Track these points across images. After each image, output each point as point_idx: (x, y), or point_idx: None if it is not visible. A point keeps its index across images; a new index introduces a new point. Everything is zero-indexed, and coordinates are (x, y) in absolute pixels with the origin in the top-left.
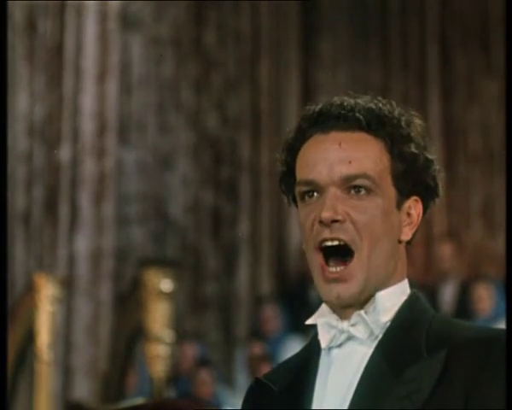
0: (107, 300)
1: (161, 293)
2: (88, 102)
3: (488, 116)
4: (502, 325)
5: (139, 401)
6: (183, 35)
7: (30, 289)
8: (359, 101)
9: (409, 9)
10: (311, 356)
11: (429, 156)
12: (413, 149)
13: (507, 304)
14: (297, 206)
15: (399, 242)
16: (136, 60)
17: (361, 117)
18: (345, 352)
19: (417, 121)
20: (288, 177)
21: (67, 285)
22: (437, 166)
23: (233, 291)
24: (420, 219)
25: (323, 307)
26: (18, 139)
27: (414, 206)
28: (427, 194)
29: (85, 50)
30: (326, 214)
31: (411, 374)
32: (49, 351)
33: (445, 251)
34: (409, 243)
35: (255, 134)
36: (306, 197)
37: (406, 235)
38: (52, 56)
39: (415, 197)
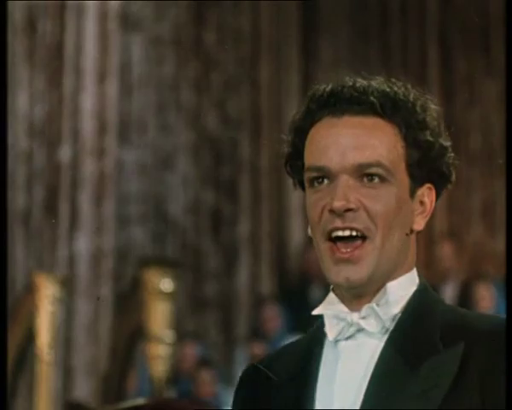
0: (107, 300)
1: (161, 293)
2: (88, 102)
3: (488, 116)
4: None
5: (139, 401)
6: (183, 35)
7: (30, 289)
8: (373, 83)
9: (409, 10)
10: (313, 347)
11: (444, 143)
12: (428, 136)
13: (507, 304)
14: (303, 189)
15: (411, 231)
16: (136, 60)
17: (375, 101)
18: (354, 345)
19: (433, 106)
20: (294, 159)
21: (67, 285)
22: (451, 153)
23: (233, 291)
24: (433, 207)
25: (331, 296)
26: (18, 139)
27: (427, 194)
28: (440, 181)
29: (85, 50)
30: (338, 204)
31: (428, 369)
32: (49, 351)
33: (446, 251)
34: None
35: (255, 134)
36: (316, 183)
37: (419, 225)
38: (52, 56)
39: (428, 185)
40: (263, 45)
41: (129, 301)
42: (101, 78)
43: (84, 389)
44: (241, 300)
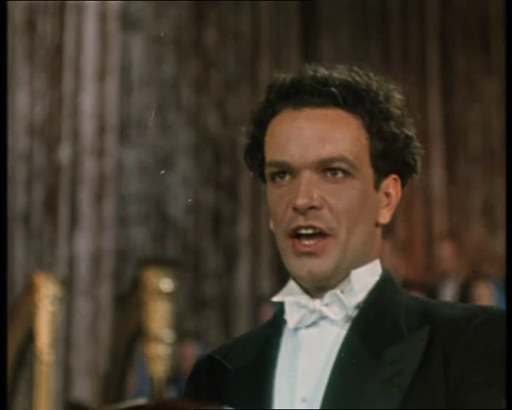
0: (107, 300)
1: (161, 293)
2: (88, 101)
3: (488, 116)
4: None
5: (139, 401)
6: (184, 35)
7: (30, 289)
8: (334, 73)
9: (409, 9)
10: (271, 335)
11: (409, 133)
12: (392, 126)
13: (507, 304)
14: (264, 181)
15: (376, 224)
16: (136, 60)
17: (336, 92)
18: (315, 333)
19: (396, 95)
20: (254, 151)
21: (67, 285)
22: (416, 143)
23: (233, 291)
24: (398, 197)
25: (292, 284)
26: (18, 139)
27: (393, 185)
28: (406, 172)
29: (85, 50)
30: (301, 202)
31: (393, 355)
32: (49, 351)
33: (446, 251)
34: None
35: None
36: (277, 178)
37: (384, 218)
38: (52, 56)
39: (393, 176)
40: (263, 45)
41: (129, 301)
42: (101, 77)
43: (83, 389)
44: (241, 300)
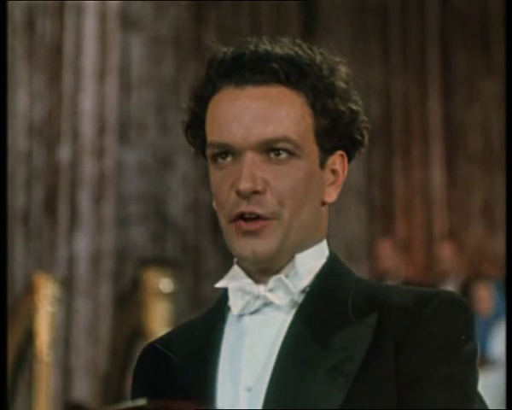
0: (107, 300)
1: (161, 293)
2: (88, 101)
3: (488, 116)
4: (502, 326)
5: (139, 401)
6: (183, 35)
7: (29, 290)
8: (276, 48)
9: (409, 9)
10: (215, 322)
11: (355, 108)
12: (337, 102)
13: (507, 304)
14: (205, 158)
15: (322, 204)
16: (136, 60)
17: (279, 68)
18: (260, 319)
19: (341, 68)
20: (195, 128)
21: (67, 285)
22: (363, 117)
23: None
24: (345, 175)
25: (236, 268)
26: (17, 139)
27: (339, 162)
28: (352, 147)
29: (85, 50)
30: (244, 186)
31: (339, 342)
32: (48, 351)
33: (446, 251)
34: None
35: None
36: (219, 159)
37: (330, 196)
38: (52, 56)
39: (340, 152)
40: None
41: (129, 301)
42: (101, 77)
43: (83, 390)
44: None
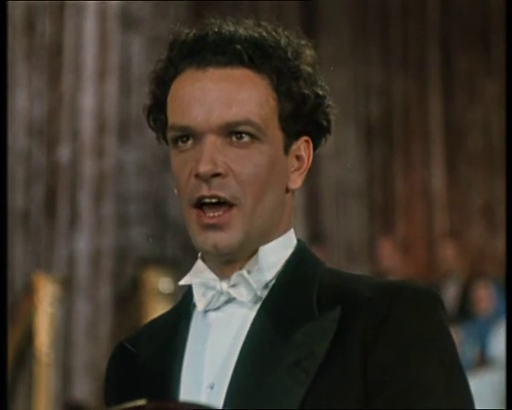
0: (107, 300)
1: (161, 293)
2: (87, 101)
3: (489, 116)
4: (502, 325)
5: (139, 401)
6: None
7: (29, 290)
8: (239, 29)
9: (409, 10)
10: (181, 319)
11: (320, 92)
12: (302, 86)
13: (507, 304)
14: (167, 143)
15: (287, 190)
16: (136, 60)
17: (242, 50)
18: (224, 316)
19: (307, 51)
20: (156, 112)
21: (67, 285)
22: (329, 102)
23: None
24: (310, 161)
25: (199, 264)
26: (17, 138)
27: (304, 147)
28: (318, 133)
29: (85, 50)
30: (204, 168)
31: (301, 337)
32: (48, 351)
33: (447, 251)
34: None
35: None
36: (180, 143)
37: (295, 182)
38: (52, 56)
39: (305, 138)
40: None
41: (128, 301)
42: (101, 77)
43: (83, 390)
44: None
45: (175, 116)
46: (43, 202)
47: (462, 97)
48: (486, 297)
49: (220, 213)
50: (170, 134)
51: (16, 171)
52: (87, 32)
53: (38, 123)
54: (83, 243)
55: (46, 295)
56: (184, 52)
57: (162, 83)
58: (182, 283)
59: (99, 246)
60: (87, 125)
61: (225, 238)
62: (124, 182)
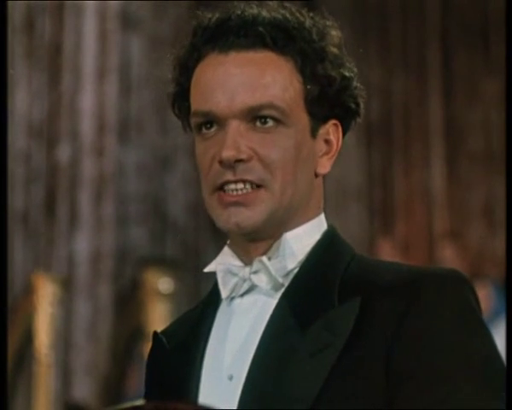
0: (107, 300)
1: (161, 293)
2: (87, 101)
3: (489, 115)
4: (501, 326)
5: (139, 401)
6: (183, 35)
7: (29, 290)
8: (263, 12)
9: (409, 8)
10: (207, 308)
11: (347, 74)
12: (328, 67)
13: (507, 304)
14: (192, 130)
15: (315, 175)
16: (136, 60)
17: (265, 32)
18: (246, 303)
19: (333, 32)
20: (181, 100)
21: (67, 285)
22: (357, 84)
23: None
24: (340, 145)
25: (225, 250)
26: (16, 139)
27: (333, 131)
28: (347, 116)
29: (85, 50)
30: (227, 154)
31: (319, 328)
32: (48, 352)
33: (447, 251)
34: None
35: None
36: (204, 129)
37: (324, 167)
38: (52, 56)
39: (333, 121)
40: None
41: (128, 301)
42: (101, 77)
43: (83, 390)
44: None
45: (198, 102)
46: (43, 202)
47: (462, 97)
48: (484, 297)
49: (246, 191)
50: (193, 120)
51: (16, 171)
52: (87, 32)
53: (38, 123)
54: (83, 243)
55: (46, 296)
56: (207, 37)
57: (185, 69)
58: (206, 270)
59: (99, 246)
60: (87, 126)
61: (249, 216)
62: (124, 182)
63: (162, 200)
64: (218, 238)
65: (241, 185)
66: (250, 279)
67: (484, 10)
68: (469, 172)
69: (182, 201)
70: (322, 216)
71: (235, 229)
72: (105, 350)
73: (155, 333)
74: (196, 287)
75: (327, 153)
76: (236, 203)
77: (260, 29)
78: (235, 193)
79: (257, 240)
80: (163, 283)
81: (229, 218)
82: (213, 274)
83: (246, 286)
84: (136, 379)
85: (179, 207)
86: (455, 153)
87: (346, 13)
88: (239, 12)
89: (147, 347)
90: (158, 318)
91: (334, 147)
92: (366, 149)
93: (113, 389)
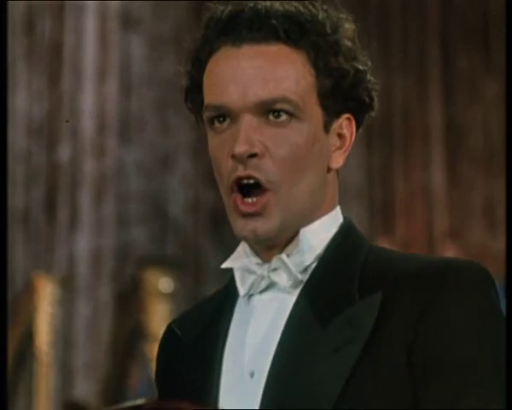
0: (107, 300)
1: (161, 293)
2: (88, 101)
3: (489, 115)
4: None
5: (139, 401)
6: (183, 35)
7: (29, 290)
8: (276, 4)
9: (409, 9)
10: (224, 303)
11: (361, 67)
12: (341, 61)
13: (507, 304)
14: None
15: (328, 170)
16: (136, 60)
17: (278, 25)
18: (265, 301)
19: (347, 25)
20: (194, 93)
21: (67, 285)
22: (371, 78)
23: None
24: (353, 139)
25: (242, 246)
26: (17, 138)
27: (346, 125)
28: (360, 110)
29: (85, 50)
30: (240, 149)
31: (340, 324)
32: (48, 351)
33: (447, 251)
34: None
35: None
36: (217, 123)
37: (337, 162)
38: (52, 56)
39: (347, 115)
40: None
41: (129, 301)
42: (101, 77)
43: (83, 390)
44: None
45: (210, 96)
46: (43, 202)
47: (462, 97)
48: None
49: (257, 197)
50: (206, 114)
51: (16, 171)
52: (87, 32)
53: (38, 123)
54: (83, 243)
55: (46, 295)
56: (219, 30)
57: (198, 62)
58: (224, 266)
59: (99, 246)
60: (87, 125)
61: (263, 225)
62: (124, 182)
63: (162, 199)
64: (218, 238)
65: (252, 181)
66: (269, 277)
67: (484, 10)
68: (469, 172)
69: (182, 200)
70: (338, 209)
71: (251, 237)
72: (105, 350)
73: (169, 325)
74: (196, 287)
75: (340, 147)
76: (251, 214)
77: (273, 22)
78: (249, 200)
79: (272, 246)
80: (163, 282)
81: (246, 226)
82: (213, 274)
83: (264, 284)
84: (137, 378)
85: (179, 206)
86: (455, 153)
87: (346, 12)
88: (252, 4)
89: (147, 346)
90: (158, 317)
91: (348, 141)
92: (366, 149)
93: (113, 388)
